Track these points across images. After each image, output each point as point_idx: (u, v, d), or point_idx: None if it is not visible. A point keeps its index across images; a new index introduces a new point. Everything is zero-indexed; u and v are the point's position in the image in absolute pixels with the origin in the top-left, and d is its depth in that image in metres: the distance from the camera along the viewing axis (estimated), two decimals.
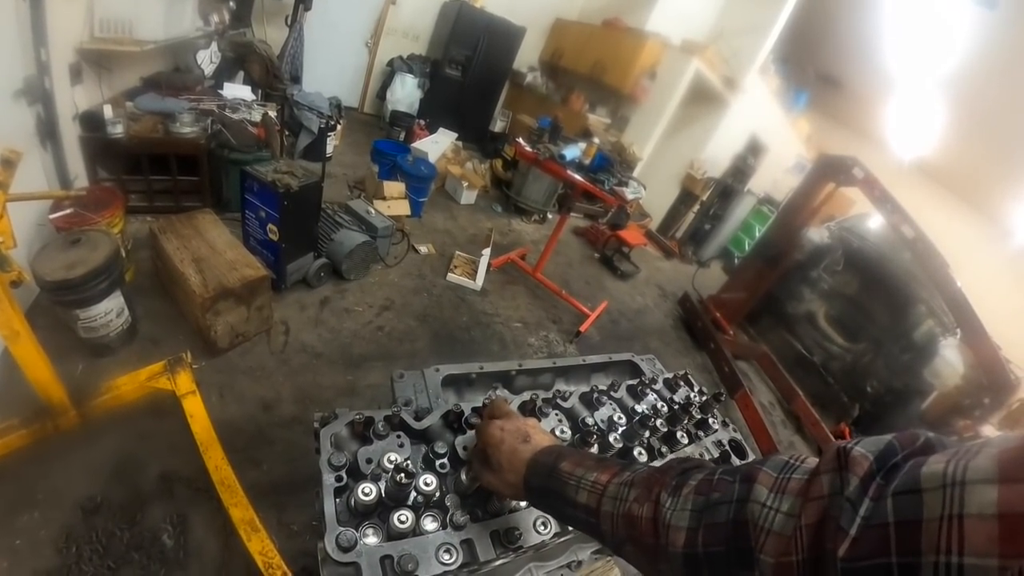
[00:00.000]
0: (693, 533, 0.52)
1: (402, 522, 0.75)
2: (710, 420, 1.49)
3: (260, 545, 1.64)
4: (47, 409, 1.77)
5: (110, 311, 2.24)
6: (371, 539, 0.74)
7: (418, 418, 0.95)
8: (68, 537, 1.70)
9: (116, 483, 1.89)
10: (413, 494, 0.81)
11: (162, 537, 1.79)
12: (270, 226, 2.84)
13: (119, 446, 2.00)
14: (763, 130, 7.97)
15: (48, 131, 2.52)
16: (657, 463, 1.25)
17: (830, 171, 4.66)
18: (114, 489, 1.87)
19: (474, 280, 4.13)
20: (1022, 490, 0.30)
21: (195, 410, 1.97)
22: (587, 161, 3.74)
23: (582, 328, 4.11)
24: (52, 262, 2.02)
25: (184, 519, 1.87)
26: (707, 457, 1.42)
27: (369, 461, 0.84)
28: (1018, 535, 0.29)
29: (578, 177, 3.66)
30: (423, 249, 4.33)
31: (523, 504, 0.92)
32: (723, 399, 1.56)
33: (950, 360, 4.67)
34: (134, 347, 2.44)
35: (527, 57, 7.61)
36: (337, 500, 0.77)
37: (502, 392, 1.41)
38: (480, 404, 1.04)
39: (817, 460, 0.48)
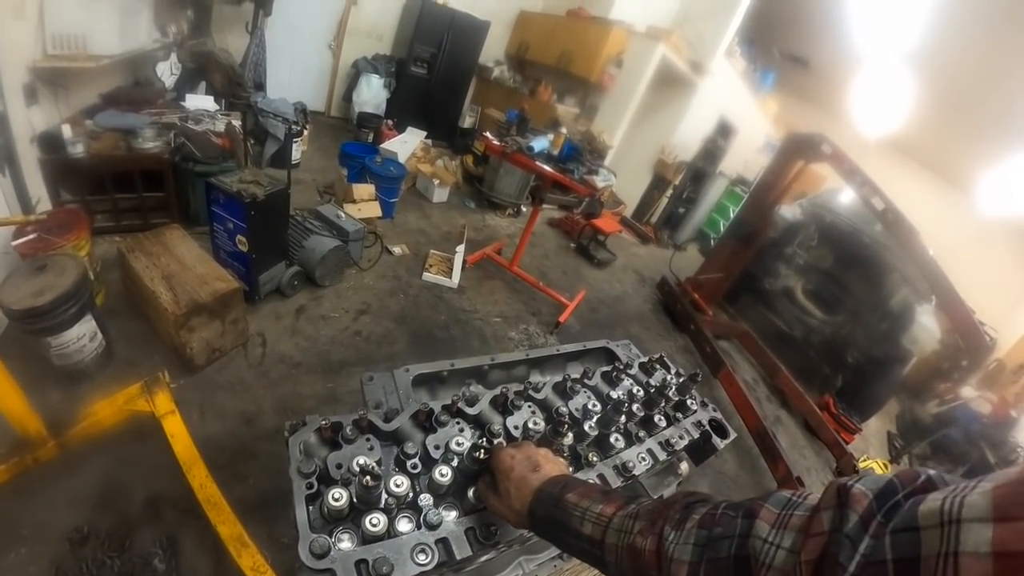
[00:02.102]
0: (695, 567, 0.53)
1: (374, 525, 0.75)
2: (688, 401, 1.50)
3: (251, 560, 1.63)
4: (25, 442, 1.73)
5: (83, 336, 2.20)
6: (345, 544, 0.75)
7: (387, 420, 0.96)
8: (58, 571, 1.67)
9: (102, 511, 1.87)
10: (385, 496, 0.81)
11: (153, 561, 1.78)
12: (239, 237, 2.81)
13: (102, 473, 1.97)
14: (732, 112, 8.06)
15: (5, 155, 2.45)
16: (640, 452, 1.26)
17: (799, 149, 4.75)
18: (100, 517, 1.85)
19: (450, 278, 4.13)
20: (1016, 528, 0.31)
21: (176, 430, 1.94)
22: (556, 151, 3.75)
23: (561, 319, 4.15)
24: (18, 290, 1.98)
25: (174, 541, 1.86)
26: (687, 438, 1.44)
27: (339, 466, 0.85)
28: (1012, 573, 0.30)
29: (547, 168, 3.67)
30: (397, 250, 4.31)
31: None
32: (699, 379, 1.57)
33: (927, 326, 4.80)
34: (110, 370, 2.40)
35: (493, 51, 7.58)
36: (310, 507, 0.78)
37: (476, 388, 1.42)
38: (449, 402, 1.05)
39: (817, 498, 0.49)
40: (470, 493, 0.88)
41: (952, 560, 0.33)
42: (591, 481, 1.04)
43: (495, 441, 0.97)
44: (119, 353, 2.50)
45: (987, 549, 0.31)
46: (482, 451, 0.88)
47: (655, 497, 0.71)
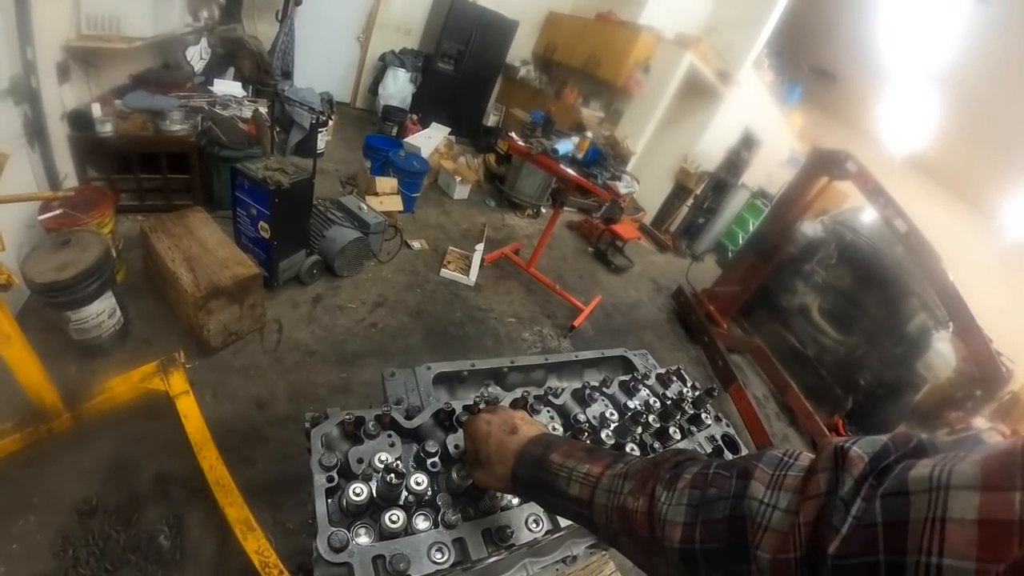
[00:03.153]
0: (690, 528, 0.52)
1: (393, 522, 0.75)
2: (703, 415, 1.49)
3: (256, 544, 1.64)
4: (40, 412, 1.76)
5: (102, 312, 2.23)
6: (363, 539, 0.75)
7: (409, 417, 0.95)
8: (64, 540, 1.69)
9: (111, 485, 1.89)
10: (404, 493, 0.81)
11: (159, 538, 1.79)
12: (261, 224, 2.83)
13: (113, 448, 1.99)
14: (757, 124, 7.98)
15: (36, 131, 2.49)
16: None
17: (824, 165, 4.67)
18: (109, 491, 1.87)
19: (468, 275, 4.13)
20: (1003, 498, 0.31)
21: (189, 410, 1.96)
22: (580, 155, 3.73)
23: (576, 323, 4.12)
24: (42, 264, 2.01)
25: (180, 520, 1.87)
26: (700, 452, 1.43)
27: (360, 461, 0.84)
28: (996, 541, 0.30)
29: (571, 172, 3.65)
30: (416, 245, 4.32)
31: (515, 501, 0.92)
32: (716, 394, 1.56)
33: (942, 353, 4.71)
34: (127, 348, 2.43)
35: (520, 51, 7.58)
36: (329, 500, 0.77)
37: (494, 389, 1.41)
38: (471, 402, 1.04)
39: (810, 456, 0.49)
40: (454, 473, 0.85)
41: (939, 526, 0.33)
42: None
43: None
44: (136, 331, 2.53)
45: (973, 516, 0.32)
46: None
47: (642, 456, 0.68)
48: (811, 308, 5.70)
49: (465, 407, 1.02)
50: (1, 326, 1.49)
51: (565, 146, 3.66)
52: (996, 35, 5.66)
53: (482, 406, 1.05)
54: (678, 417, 1.43)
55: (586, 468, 0.66)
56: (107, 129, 2.94)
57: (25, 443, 1.77)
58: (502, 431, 0.78)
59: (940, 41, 6.26)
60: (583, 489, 0.65)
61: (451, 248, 4.44)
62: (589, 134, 3.96)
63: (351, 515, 0.78)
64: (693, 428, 1.46)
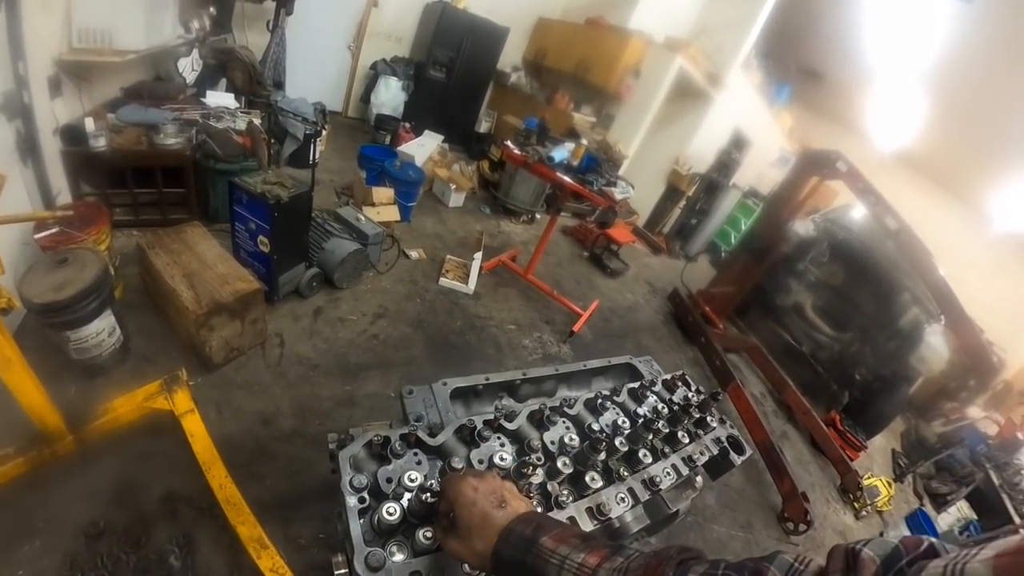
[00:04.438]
0: None
1: (428, 538, 0.76)
2: (708, 418, 1.53)
3: (271, 562, 1.64)
4: (43, 435, 1.74)
5: (101, 331, 2.21)
6: (398, 556, 0.75)
7: (432, 434, 0.96)
8: (72, 564, 1.67)
9: (118, 507, 1.87)
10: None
11: (169, 559, 1.77)
12: (261, 238, 2.82)
13: (119, 469, 1.97)
14: (747, 124, 8.07)
15: (29, 147, 2.47)
16: (665, 467, 1.27)
17: (814, 165, 4.74)
18: (116, 513, 1.85)
19: (466, 284, 4.13)
20: None
21: (195, 429, 1.95)
22: (575, 162, 3.76)
23: (575, 328, 4.14)
24: (39, 284, 1.98)
25: (190, 539, 1.85)
26: (707, 454, 1.45)
27: (389, 480, 0.85)
28: None
29: (567, 179, 3.68)
30: (414, 254, 4.32)
31: None
32: (720, 398, 1.59)
33: (935, 346, 4.77)
34: (127, 366, 2.41)
35: (511, 57, 7.61)
36: (361, 521, 0.78)
37: (508, 401, 1.43)
38: (491, 417, 1.05)
39: (820, 564, 0.49)
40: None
41: None
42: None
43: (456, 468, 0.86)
44: (136, 348, 2.51)
45: None
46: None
47: (641, 539, 0.65)
48: (805, 306, 5.76)
49: (486, 422, 1.03)
50: (2, 350, 1.47)
51: (560, 153, 3.69)
52: (979, 32, 5.77)
53: (501, 421, 1.06)
54: (685, 421, 1.46)
55: (581, 558, 0.61)
56: (100, 143, 2.91)
57: (29, 467, 1.74)
58: (489, 502, 0.70)
59: (924, 39, 6.37)
60: None
61: (449, 257, 4.44)
62: (584, 141, 4.00)
63: (383, 534, 0.78)
64: (700, 432, 1.50)
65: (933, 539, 0.44)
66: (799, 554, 0.52)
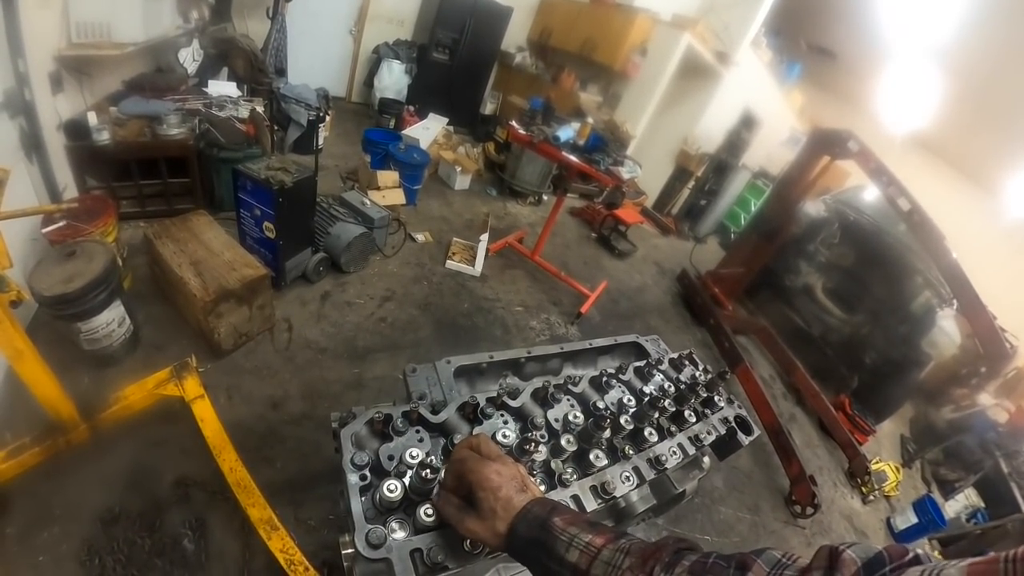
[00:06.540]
0: None
1: (429, 515, 0.76)
2: (715, 398, 1.51)
3: (281, 543, 1.66)
4: (57, 425, 1.77)
5: (111, 321, 2.23)
6: (399, 534, 0.75)
7: (434, 412, 0.96)
8: (90, 549, 1.71)
9: (132, 492, 1.91)
10: (436, 487, 0.82)
11: (183, 542, 1.81)
12: (266, 224, 2.82)
13: (132, 455, 2.01)
14: (756, 104, 7.92)
15: (33, 143, 2.47)
16: (671, 446, 1.26)
17: (825, 144, 4.64)
18: (131, 498, 1.89)
19: (473, 266, 4.13)
20: None
21: (205, 414, 1.97)
22: (581, 141, 3.70)
23: (583, 309, 4.13)
24: (49, 277, 2.01)
25: (203, 522, 1.89)
26: (714, 434, 1.44)
27: (391, 458, 0.85)
28: None
29: (574, 159, 3.63)
30: (420, 237, 4.32)
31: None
32: (728, 377, 1.57)
33: (947, 330, 4.70)
34: (138, 355, 2.44)
35: (515, 37, 7.49)
36: (362, 498, 0.78)
37: (513, 380, 1.42)
38: (494, 394, 1.05)
39: (807, 562, 0.51)
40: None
41: None
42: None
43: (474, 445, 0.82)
44: (146, 337, 2.54)
45: None
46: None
47: (641, 533, 0.68)
48: (815, 288, 5.70)
49: (489, 400, 1.03)
50: (14, 342, 1.49)
51: (566, 133, 3.63)
52: (997, 11, 5.57)
53: (504, 398, 1.05)
54: (692, 401, 1.44)
55: (588, 538, 0.65)
56: (104, 137, 2.92)
57: (44, 456, 1.77)
58: (512, 488, 0.73)
59: (940, 17, 6.16)
60: (582, 557, 0.64)
61: (455, 239, 4.43)
62: (590, 120, 3.93)
63: (384, 511, 0.78)
64: (707, 411, 1.48)
65: (918, 551, 0.45)
66: (787, 552, 0.54)
